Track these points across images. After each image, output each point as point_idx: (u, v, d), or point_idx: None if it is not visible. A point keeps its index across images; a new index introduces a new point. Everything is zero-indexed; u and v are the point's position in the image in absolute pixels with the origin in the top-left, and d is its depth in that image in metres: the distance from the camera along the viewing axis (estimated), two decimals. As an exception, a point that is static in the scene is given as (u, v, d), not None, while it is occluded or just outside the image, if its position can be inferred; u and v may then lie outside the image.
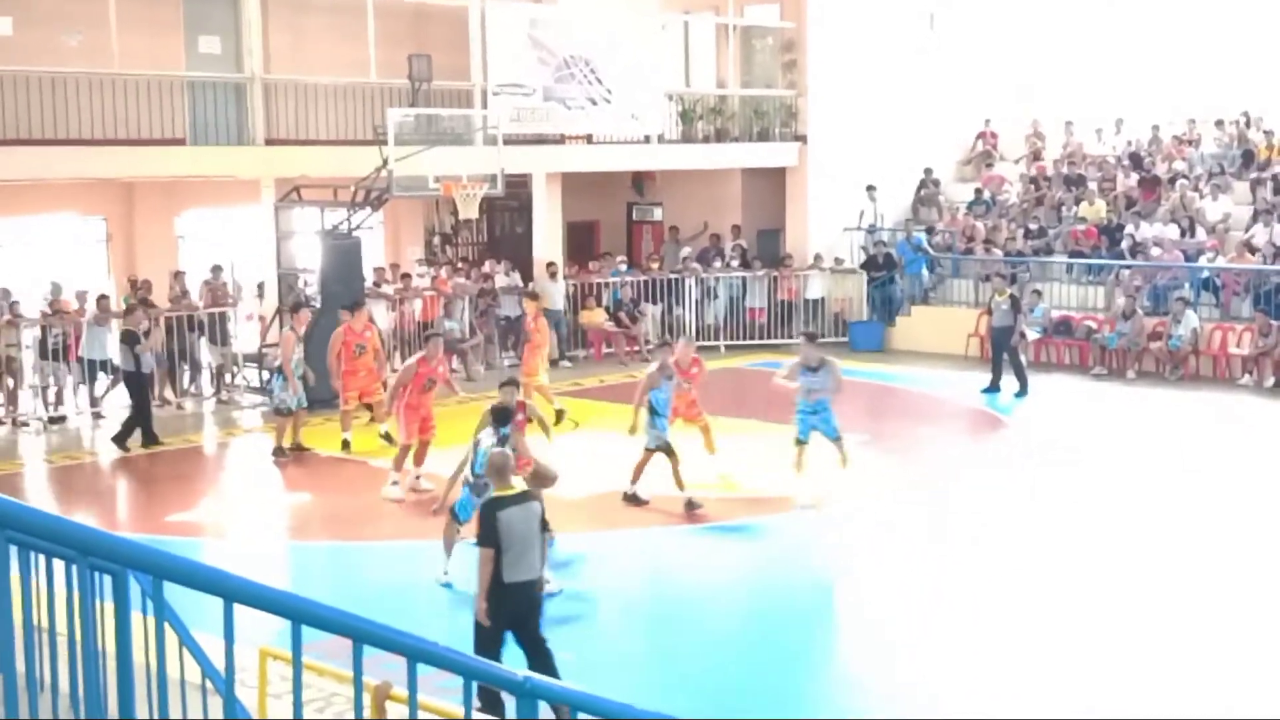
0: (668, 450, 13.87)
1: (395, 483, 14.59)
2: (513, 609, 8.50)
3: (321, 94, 21.45)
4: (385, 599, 11.14)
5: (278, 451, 16.68)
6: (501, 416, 11.46)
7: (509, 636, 8.53)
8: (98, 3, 18.55)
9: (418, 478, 14.79)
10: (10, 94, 18.18)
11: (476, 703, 5.21)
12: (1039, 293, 23.45)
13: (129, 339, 17.59)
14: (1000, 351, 20.91)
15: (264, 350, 21.02)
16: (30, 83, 18.44)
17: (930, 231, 26.68)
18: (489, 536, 8.42)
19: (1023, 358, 21.02)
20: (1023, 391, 20.41)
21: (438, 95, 21.83)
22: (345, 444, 16.81)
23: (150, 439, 17.44)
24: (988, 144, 29.65)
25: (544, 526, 8.83)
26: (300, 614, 3.94)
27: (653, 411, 13.98)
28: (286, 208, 20.97)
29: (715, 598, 11.84)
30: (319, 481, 15.90)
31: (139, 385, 17.71)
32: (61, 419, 19.08)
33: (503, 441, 10.87)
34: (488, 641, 8.35)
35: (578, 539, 13.49)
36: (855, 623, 11.42)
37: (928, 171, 28.35)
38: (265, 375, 21.02)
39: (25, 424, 18.62)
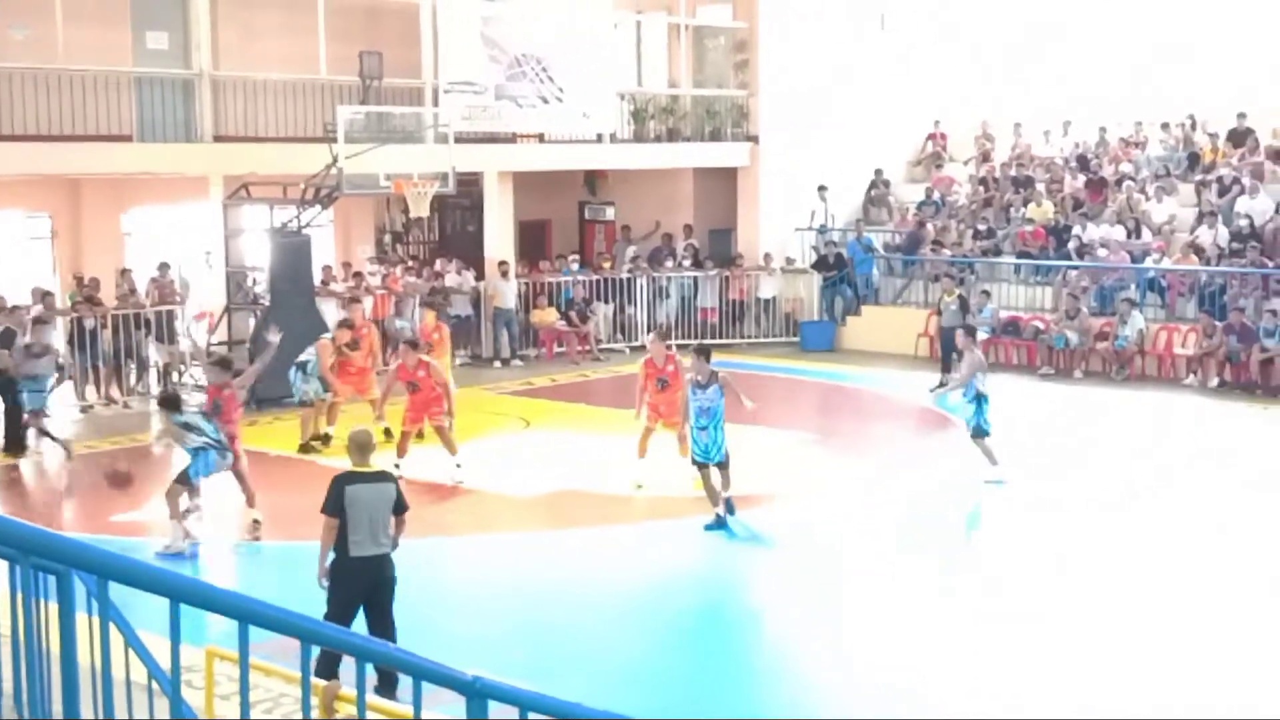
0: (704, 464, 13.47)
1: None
2: (362, 583, 8.78)
3: (271, 90, 21.30)
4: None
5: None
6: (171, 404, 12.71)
7: (361, 611, 8.81)
8: (43, -3, 18.35)
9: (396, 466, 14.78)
10: (-47, 88, 17.95)
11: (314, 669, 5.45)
12: (987, 293, 23.62)
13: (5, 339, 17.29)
14: (949, 351, 21.03)
15: (211, 349, 20.84)
16: (-26, 77, 18.20)
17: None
18: (332, 506, 8.70)
19: None
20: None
21: (389, 93, 21.74)
22: (326, 438, 16.72)
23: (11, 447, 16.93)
24: (937, 145, 29.84)
25: (400, 509, 8.98)
26: (247, 614, 3.91)
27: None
28: (235, 205, 20.80)
29: (667, 595, 11.84)
30: (269, 480, 15.76)
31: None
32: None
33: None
34: (338, 612, 8.55)
35: (531, 538, 13.48)
36: (803, 619, 11.45)
37: (878, 172, 28.50)
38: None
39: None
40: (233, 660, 6.53)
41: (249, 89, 21.10)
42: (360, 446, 9.01)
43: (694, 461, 13.56)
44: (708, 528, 13.22)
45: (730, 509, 13.41)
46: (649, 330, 24.96)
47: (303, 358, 17.01)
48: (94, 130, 19.25)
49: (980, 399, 15.02)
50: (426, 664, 4.13)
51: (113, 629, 4.32)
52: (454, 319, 23.54)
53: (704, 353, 13.91)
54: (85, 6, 19.19)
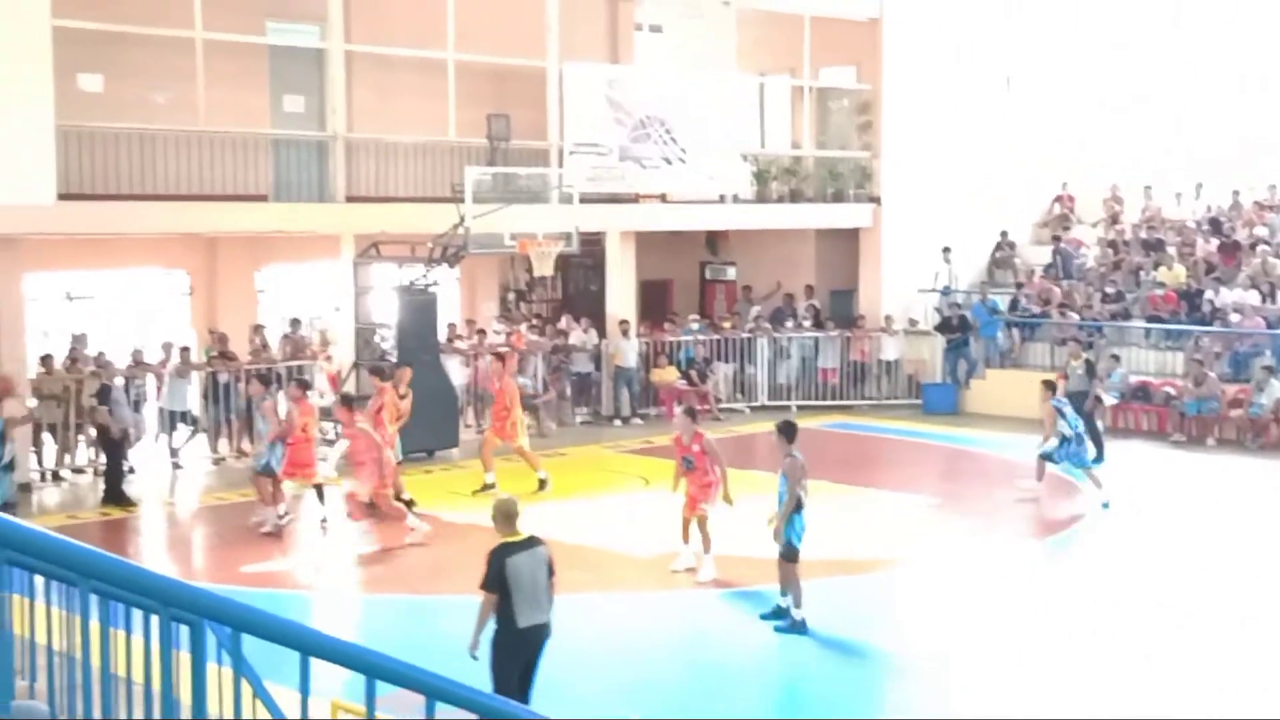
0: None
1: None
2: (528, 652, 8.68)
3: (402, 152, 21.79)
4: (457, 655, 11.17)
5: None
6: None
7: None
8: (186, 60, 19.00)
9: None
10: (100, 149, 18.62)
11: None
12: (1116, 358, 23.18)
13: (103, 395, 17.70)
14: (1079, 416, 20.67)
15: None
16: (119, 138, 18.88)
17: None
18: (493, 581, 8.55)
19: (1099, 423, 20.74)
20: (1099, 458, 20.13)
21: (515, 154, 22.10)
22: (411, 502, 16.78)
23: (114, 499, 17.18)
24: (1065, 207, 29.47)
25: (550, 571, 8.86)
26: (375, 668, 3.98)
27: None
28: (365, 263, 21.25)
29: (781, 659, 11.73)
30: (393, 534, 15.97)
31: (111, 444, 17.53)
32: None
33: None
34: (506, 684, 8.42)
35: (647, 598, 13.47)
36: (919, 684, 11.26)
37: (1004, 234, 28.20)
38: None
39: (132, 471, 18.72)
40: (357, 713, 6.63)
41: (381, 150, 21.60)
42: (507, 516, 8.84)
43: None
44: (764, 616, 12.33)
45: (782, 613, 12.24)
46: (768, 391, 25.01)
47: None
48: (231, 190, 19.83)
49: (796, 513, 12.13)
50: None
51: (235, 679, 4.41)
52: (575, 376, 23.77)
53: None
54: (226, 71, 19.82)
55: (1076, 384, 20.50)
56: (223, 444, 20.30)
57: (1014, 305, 26.24)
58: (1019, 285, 26.94)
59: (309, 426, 16.04)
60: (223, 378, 20.08)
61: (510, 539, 8.76)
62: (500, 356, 18.94)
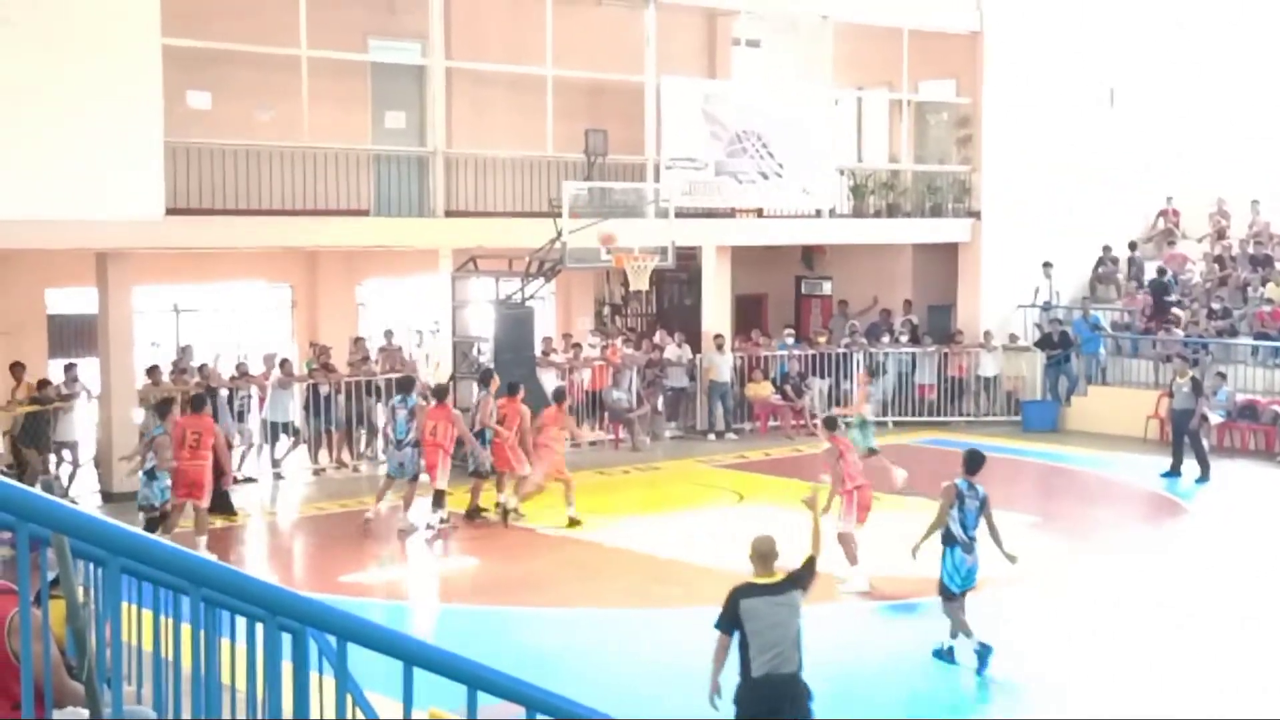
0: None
1: None
2: (767, 704, 7.99)
3: (500, 167, 22.00)
4: (544, 667, 11.23)
5: (472, 513, 17.03)
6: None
7: None
8: (291, 79, 19.36)
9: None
10: (208, 165, 19.03)
11: None
12: (1223, 375, 22.72)
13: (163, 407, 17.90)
14: (1181, 435, 20.31)
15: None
16: (226, 155, 19.29)
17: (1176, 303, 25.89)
18: (724, 621, 7.96)
19: (1205, 442, 20.36)
20: (1204, 477, 19.76)
21: (612, 168, 22.23)
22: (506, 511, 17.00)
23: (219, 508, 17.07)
24: (1169, 221, 28.95)
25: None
26: (476, 680, 4.03)
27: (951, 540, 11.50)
28: (463, 277, 21.47)
29: (872, 676, 11.64)
30: (484, 546, 16.11)
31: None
32: (251, 479, 19.61)
33: None
34: None
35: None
36: (1023, 702, 11.12)
37: (1106, 249, 27.77)
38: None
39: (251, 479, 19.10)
40: (455, 724, 6.69)
41: (479, 165, 21.83)
42: (762, 556, 8.16)
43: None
44: (937, 653, 11.84)
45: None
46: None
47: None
48: (333, 205, 20.15)
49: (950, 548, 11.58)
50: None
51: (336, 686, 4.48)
52: (670, 391, 23.81)
53: (972, 463, 11.80)
54: (329, 88, 20.17)
55: (1183, 402, 20.17)
56: (323, 455, 20.60)
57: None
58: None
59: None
60: (323, 389, 20.39)
61: (757, 579, 8.10)
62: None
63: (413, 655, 3.97)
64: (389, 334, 22.26)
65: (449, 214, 21.20)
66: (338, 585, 14.17)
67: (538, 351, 21.93)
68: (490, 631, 13.02)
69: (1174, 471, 20.09)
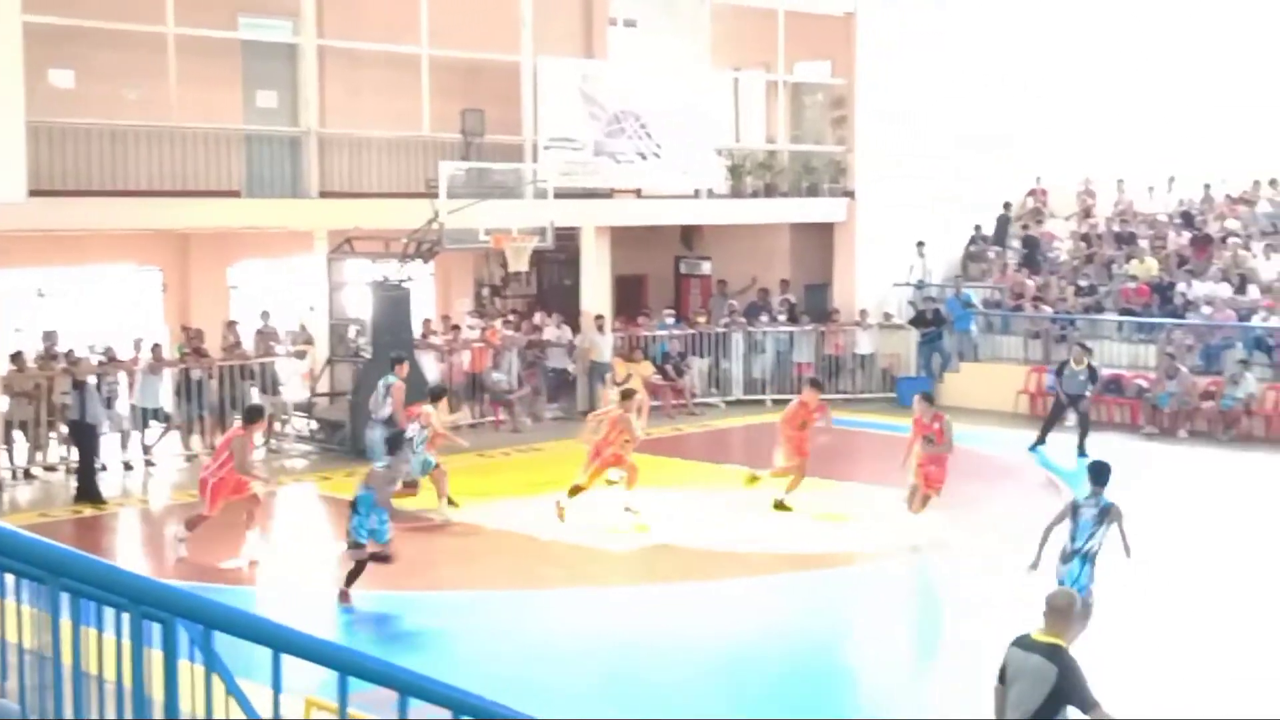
0: None
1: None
2: None
3: (375, 147, 21.71)
4: (433, 650, 11.16)
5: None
6: None
7: None
8: (158, 57, 18.89)
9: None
10: (71, 145, 18.51)
11: None
12: (1089, 350, 23.26)
13: (78, 385, 17.58)
14: (1061, 411, 20.74)
15: (313, 400, 21.23)
16: (91, 135, 18.77)
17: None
18: (1000, 671, 7.23)
19: (1086, 416, 20.74)
20: (1083, 452, 20.13)
21: (489, 149, 22.06)
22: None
23: (86, 496, 17.06)
24: (1038, 201, 29.57)
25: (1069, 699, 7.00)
26: (347, 665, 3.96)
27: None
28: (339, 259, 21.19)
29: (757, 651, 11.75)
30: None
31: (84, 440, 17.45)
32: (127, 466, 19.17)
33: None
34: None
35: (622, 592, 13.49)
36: (896, 678, 11.30)
37: (977, 228, 28.29)
38: (313, 424, 21.23)
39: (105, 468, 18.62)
40: (331, 710, 6.59)
41: (354, 146, 21.53)
42: (1054, 610, 7.16)
43: None
44: None
45: None
46: (742, 386, 25.01)
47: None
48: (204, 186, 19.74)
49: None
50: (524, 718, 4.14)
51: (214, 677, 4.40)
52: (551, 372, 23.75)
53: (1098, 475, 11.25)
54: (198, 67, 19.72)
55: (1077, 387, 20.43)
56: (195, 441, 20.20)
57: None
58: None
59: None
60: (195, 374, 19.99)
61: (1037, 633, 7.17)
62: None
63: (279, 642, 3.89)
64: (265, 316, 21.87)
65: (323, 195, 20.88)
66: (216, 573, 13.91)
67: (417, 334, 21.72)
68: (373, 617, 12.89)
69: (1040, 443, 20.57)
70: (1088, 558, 10.74)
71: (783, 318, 26.04)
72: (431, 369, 21.73)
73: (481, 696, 4.04)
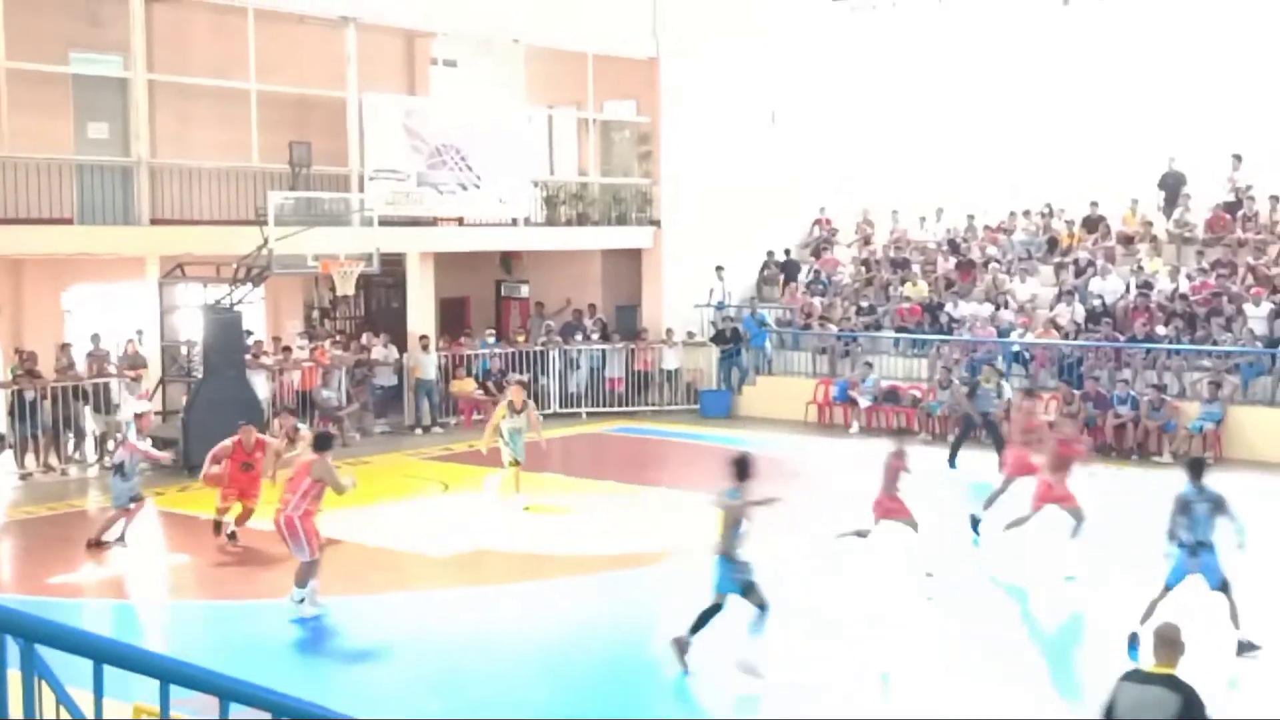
0: None
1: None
2: None
3: (206, 176, 21.10)
4: (260, 655, 10.85)
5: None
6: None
7: None
8: (-11, 88, 18.05)
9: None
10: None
11: None
12: (870, 365, 23.94)
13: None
14: (970, 430, 20.48)
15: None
16: (-79, 162, 17.81)
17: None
18: (1108, 707, 6.69)
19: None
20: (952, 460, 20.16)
21: (317, 179, 21.65)
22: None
23: None
24: (824, 230, 30.28)
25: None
26: (167, 673, 3.82)
27: None
28: (171, 283, 20.53)
29: (580, 648, 11.73)
30: (195, 543, 15.42)
31: None
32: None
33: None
34: None
35: (448, 595, 13.34)
36: (711, 672, 11.40)
37: (770, 254, 28.86)
38: (147, 442, 20.46)
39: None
40: (154, 715, 6.35)
41: (185, 175, 20.89)
42: (1165, 642, 6.69)
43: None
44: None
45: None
46: (559, 400, 25.01)
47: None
48: (37, 213, 18.91)
49: None
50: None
51: (46, 686, 4.21)
52: (379, 389, 23.40)
53: (1197, 470, 11.25)
54: (29, 97, 18.93)
55: (987, 404, 20.13)
56: (29, 459, 19.31)
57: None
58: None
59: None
60: (29, 395, 19.11)
61: (1148, 666, 6.79)
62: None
63: (101, 652, 3.74)
64: (95, 339, 21.03)
65: (155, 222, 20.19)
66: (46, 587, 13.30)
67: (248, 355, 21.15)
68: (202, 624, 12.49)
69: (952, 461, 20.23)
70: (1213, 547, 10.79)
71: (595, 336, 26.14)
72: (263, 388, 21.22)
73: (300, 699, 3.94)
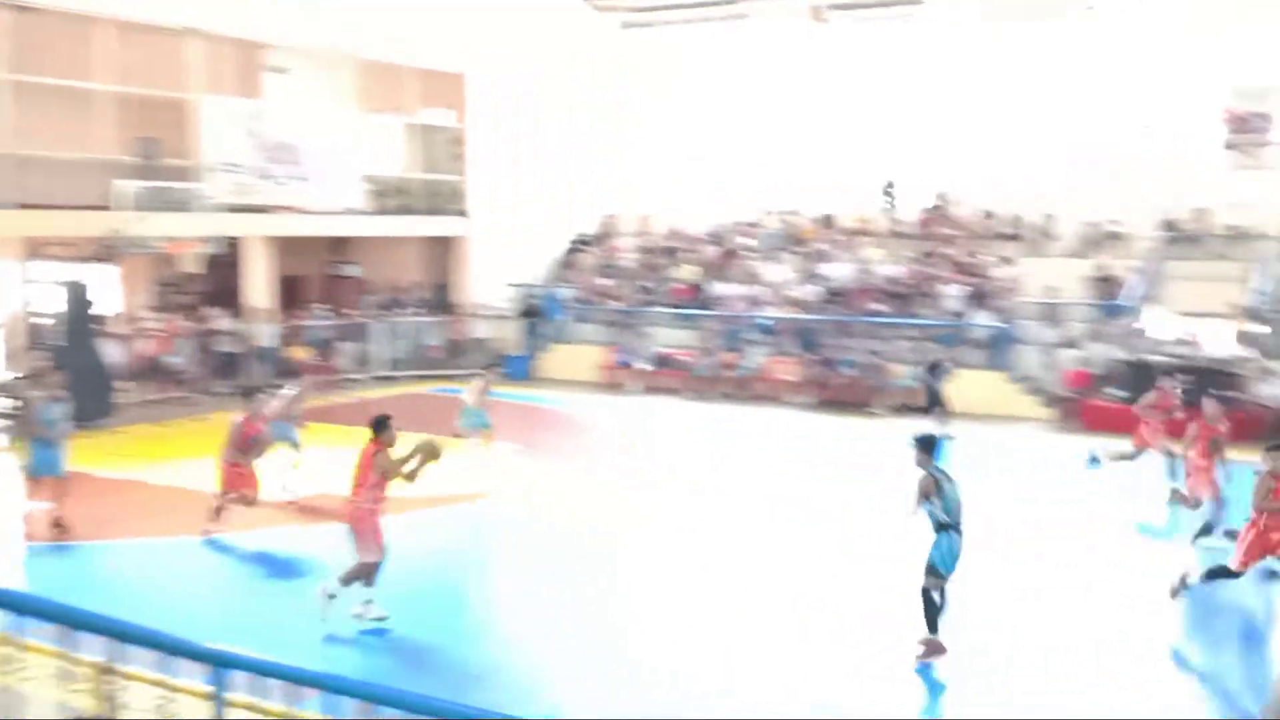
0: None
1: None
2: None
3: (67, 165, 19.92)
4: (115, 590, 10.47)
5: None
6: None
7: None
8: None
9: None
10: None
11: None
12: (648, 335, 24.30)
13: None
14: (937, 400, 19.36)
15: (12, 382, 19.33)
16: None
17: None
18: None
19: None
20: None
21: (168, 170, 20.74)
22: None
23: None
24: (612, 222, 30.47)
25: None
26: (19, 606, 3.74)
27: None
28: (32, 262, 19.36)
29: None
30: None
31: None
32: None
33: None
34: None
35: (288, 532, 13.08)
36: (518, 602, 11.50)
37: (573, 241, 28.98)
38: (13, 402, 19.32)
39: None
40: (15, 644, 6.15)
41: (49, 165, 19.69)
42: None
43: None
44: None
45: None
46: (385, 365, 24.61)
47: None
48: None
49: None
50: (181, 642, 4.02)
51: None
52: (224, 356, 22.59)
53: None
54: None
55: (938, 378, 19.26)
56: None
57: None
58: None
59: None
60: None
61: None
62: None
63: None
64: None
65: (23, 206, 19.00)
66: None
67: (101, 325, 20.12)
68: (62, 565, 11.93)
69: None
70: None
71: (415, 310, 25.81)
72: (115, 354, 20.25)
73: (143, 626, 3.91)
